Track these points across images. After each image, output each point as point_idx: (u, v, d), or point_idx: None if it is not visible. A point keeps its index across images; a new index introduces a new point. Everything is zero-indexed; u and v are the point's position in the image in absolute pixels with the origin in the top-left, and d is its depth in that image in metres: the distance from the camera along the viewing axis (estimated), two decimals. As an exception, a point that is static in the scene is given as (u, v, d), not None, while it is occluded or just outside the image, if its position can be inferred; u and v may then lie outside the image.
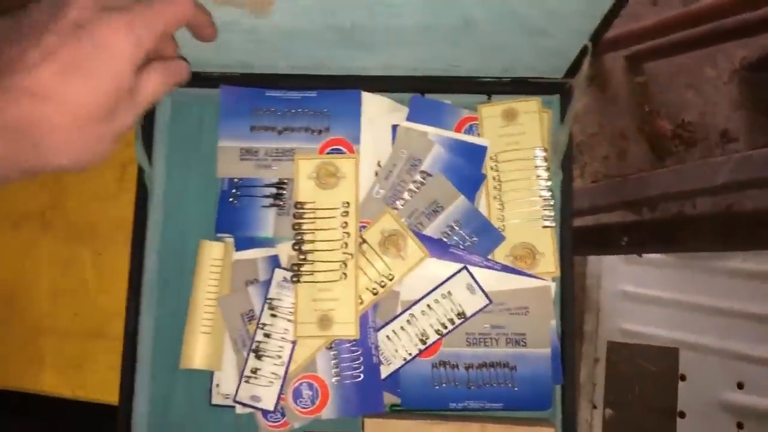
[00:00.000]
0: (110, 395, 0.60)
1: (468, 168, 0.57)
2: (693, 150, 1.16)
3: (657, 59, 1.25)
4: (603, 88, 1.18)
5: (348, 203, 0.56)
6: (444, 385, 0.55)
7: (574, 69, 0.54)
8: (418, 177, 0.57)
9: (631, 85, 1.18)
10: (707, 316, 0.91)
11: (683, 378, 0.90)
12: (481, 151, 0.57)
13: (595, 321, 0.98)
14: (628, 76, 1.29)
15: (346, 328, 0.54)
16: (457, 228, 0.56)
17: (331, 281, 0.55)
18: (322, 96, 0.58)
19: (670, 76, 1.23)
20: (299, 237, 0.56)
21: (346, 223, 0.56)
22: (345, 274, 0.55)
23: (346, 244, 0.55)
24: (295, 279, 0.55)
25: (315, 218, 0.56)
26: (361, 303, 0.55)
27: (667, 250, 0.93)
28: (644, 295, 0.92)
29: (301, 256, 0.55)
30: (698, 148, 1.16)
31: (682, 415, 0.91)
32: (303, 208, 0.56)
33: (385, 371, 0.55)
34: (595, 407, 0.97)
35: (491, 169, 0.57)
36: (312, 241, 0.56)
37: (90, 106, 0.36)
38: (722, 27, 1.12)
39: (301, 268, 0.55)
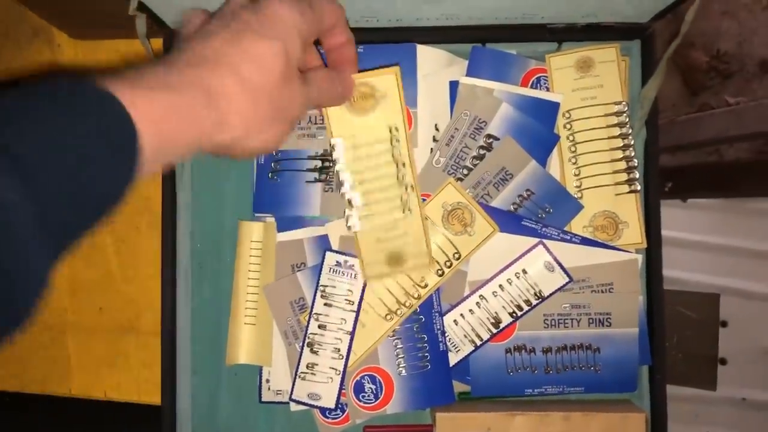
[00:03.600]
0: (147, 395, 0.55)
1: (538, 128, 0.50)
2: (728, 83, 1.09)
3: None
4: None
5: (396, 128, 0.48)
6: (519, 371, 0.50)
7: (667, 10, 0.47)
8: (482, 141, 0.50)
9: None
10: (751, 260, 0.87)
11: (724, 324, 0.87)
12: (553, 108, 0.50)
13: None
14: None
15: (420, 258, 0.48)
16: (528, 197, 0.50)
17: (393, 218, 0.48)
18: (371, 51, 0.50)
19: (704, 2, 1.13)
20: (348, 183, 0.48)
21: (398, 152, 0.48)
22: (410, 209, 0.48)
23: (403, 175, 0.48)
24: (350, 227, 0.48)
25: (359, 156, 0.48)
26: (425, 286, 0.49)
27: (716, 195, 0.87)
28: (685, 240, 0.88)
29: (357, 203, 0.48)
30: (734, 80, 1.09)
31: (724, 362, 0.88)
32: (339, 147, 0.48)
33: (452, 359, 0.50)
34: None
35: (564, 128, 0.50)
36: (361, 183, 0.48)
37: (261, 71, 0.35)
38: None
39: (359, 216, 0.48)
